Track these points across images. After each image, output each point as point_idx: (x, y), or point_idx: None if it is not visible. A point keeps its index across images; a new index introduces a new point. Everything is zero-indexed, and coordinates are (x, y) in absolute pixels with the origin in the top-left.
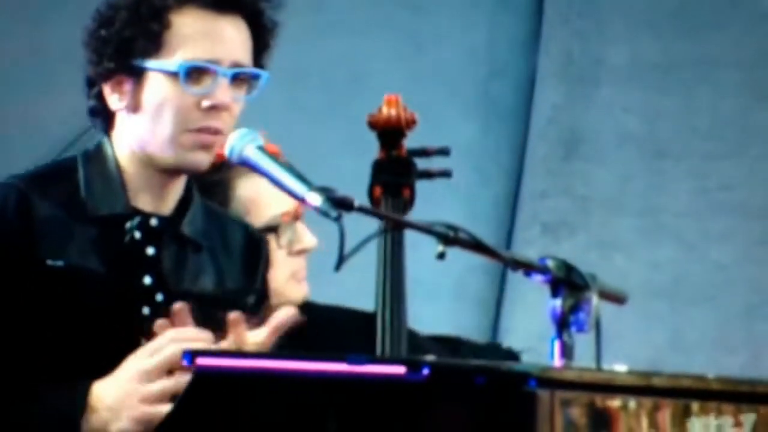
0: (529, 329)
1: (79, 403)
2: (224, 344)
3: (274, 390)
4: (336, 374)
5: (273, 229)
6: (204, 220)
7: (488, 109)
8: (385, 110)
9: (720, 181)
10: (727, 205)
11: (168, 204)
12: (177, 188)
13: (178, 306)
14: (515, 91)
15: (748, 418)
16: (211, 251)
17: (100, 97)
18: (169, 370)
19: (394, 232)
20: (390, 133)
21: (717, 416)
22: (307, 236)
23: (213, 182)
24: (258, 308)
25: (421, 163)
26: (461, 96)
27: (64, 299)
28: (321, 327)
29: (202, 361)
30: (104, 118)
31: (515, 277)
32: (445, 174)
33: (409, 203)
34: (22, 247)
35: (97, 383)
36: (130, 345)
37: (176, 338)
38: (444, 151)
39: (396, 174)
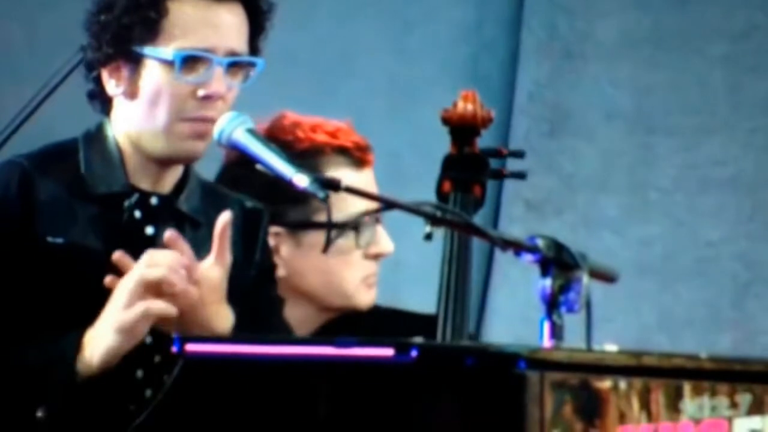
0: (515, 310)
1: (74, 345)
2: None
3: (263, 375)
4: (325, 358)
5: (354, 227)
6: (202, 198)
7: (477, 85)
8: (461, 105)
9: (710, 156)
10: (717, 180)
11: (167, 183)
12: (176, 168)
13: (169, 235)
14: (503, 67)
15: (745, 399)
16: (210, 228)
17: (98, 82)
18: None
19: (460, 235)
20: (464, 129)
21: (711, 397)
22: (384, 240)
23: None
24: (262, 280)
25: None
26: (450, 73)
27: (63, 276)
28: (383, 330)
29: (191, 347)
30: (102, 101)
31: (501, 258)
32: (519, 176)
33: (479, 202)
34: (24, 224)
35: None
36: None
37: (150, 263)
38: (518, 154)
39: (468, 170)
